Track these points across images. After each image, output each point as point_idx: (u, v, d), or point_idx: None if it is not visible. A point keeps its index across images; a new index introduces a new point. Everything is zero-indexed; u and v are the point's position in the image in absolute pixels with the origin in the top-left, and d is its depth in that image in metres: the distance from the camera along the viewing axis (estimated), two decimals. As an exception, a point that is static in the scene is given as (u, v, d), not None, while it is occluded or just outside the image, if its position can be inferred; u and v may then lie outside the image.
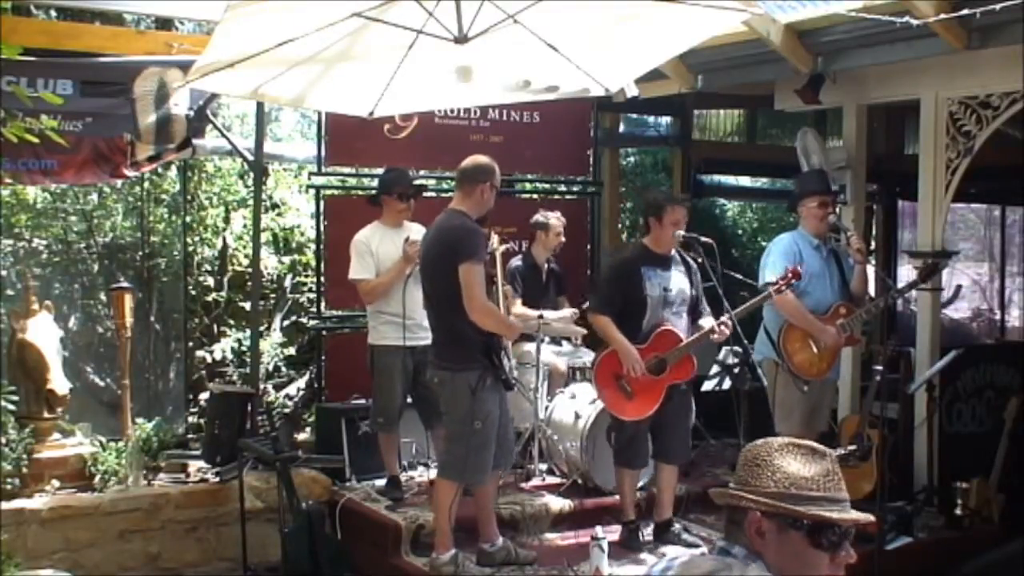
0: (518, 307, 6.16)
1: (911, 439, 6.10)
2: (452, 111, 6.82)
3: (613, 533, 5.25)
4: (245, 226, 7.27)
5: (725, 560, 1.93)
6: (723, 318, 5.00)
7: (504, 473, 5.31)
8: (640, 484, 5.52)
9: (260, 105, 6.03)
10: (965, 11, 4.99)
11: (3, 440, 5.19)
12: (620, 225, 9.28)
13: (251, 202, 6.42)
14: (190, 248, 7.10)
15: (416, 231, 5.55)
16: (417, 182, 6.29)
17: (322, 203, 6.57)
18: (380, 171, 6.11)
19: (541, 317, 6.01)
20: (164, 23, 6.86)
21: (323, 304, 6.63)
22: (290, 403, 7.19)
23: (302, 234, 7.59)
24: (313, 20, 4.01)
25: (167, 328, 6.98)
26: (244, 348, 6.98)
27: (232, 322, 7.25)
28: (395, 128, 6.59)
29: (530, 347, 6.02)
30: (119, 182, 6.48)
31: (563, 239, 6.56)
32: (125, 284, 6.19)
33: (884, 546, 5.14)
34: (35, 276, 6.13)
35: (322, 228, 6.54)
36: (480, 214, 4.85)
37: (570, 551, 5.23)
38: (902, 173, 8.30)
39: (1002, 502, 5.90)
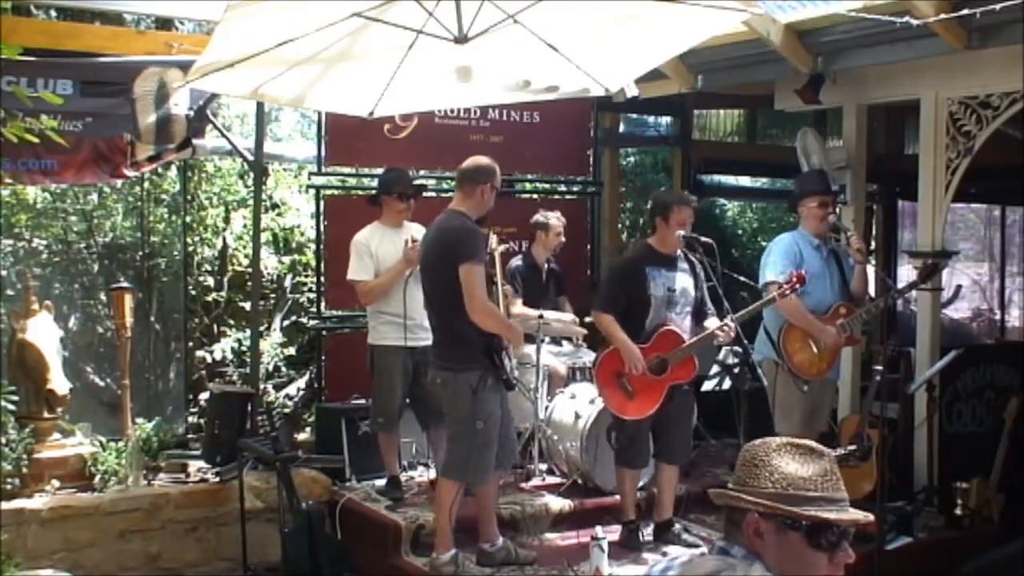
0: (518, 307, 6.16)
1: (911, 439, 6.10)
2: (452, 111, 6.82)
3: (613, 533, 5.25)
4: (245, 226, 7.27)
5: (728, 560, 1.93)
6: (726, 320, 5.01)
7: (505, 473, 5.31)
8: (640, 484, 5.52)
9: (260, 105, 6.03)
10: (965, 11, 4.99)
11: (3, 440, 5.19)
12: (620, 225, 9.29)
13: (251, 202, 6.42)
14: (190, 248, 7.10)
15: (416, 231, 5.55)
16: (417, 182, 6.29)
17: (322, 203, 6.57)
18: (380, 171, 6.10)
19: (541, 317, 6.01)
20: (164, 23, 6.86)
21: (323, 304, 6.63)
22: (290, 403, 7.19)
23: (302, 234, 7.59)
24: (313, 20, 4.01)
25: (167, 328, 6.99)
26: (244, 348, 6.97)
27: (232, 322, 7.25)
28: (395, 128, 6.59)
29: (530, 348, 6.02)
30: (119, 182, 6.48)
31: (563, 239, 6.56)
32: (125, 284, 6.19)
33: (884, 546, 5.14)
34: (35, 276, 6.13)
35: (322, 228, 6.54)
36: (480, 215, 4.85)
37: (570, 551, 5.22)
38: (902, 173, 8.29)
39: (1002, 502, 5.90)
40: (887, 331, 5.97)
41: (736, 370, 6.57)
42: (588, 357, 6.45)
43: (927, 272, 5.59)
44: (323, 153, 6.55)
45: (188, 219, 7.05)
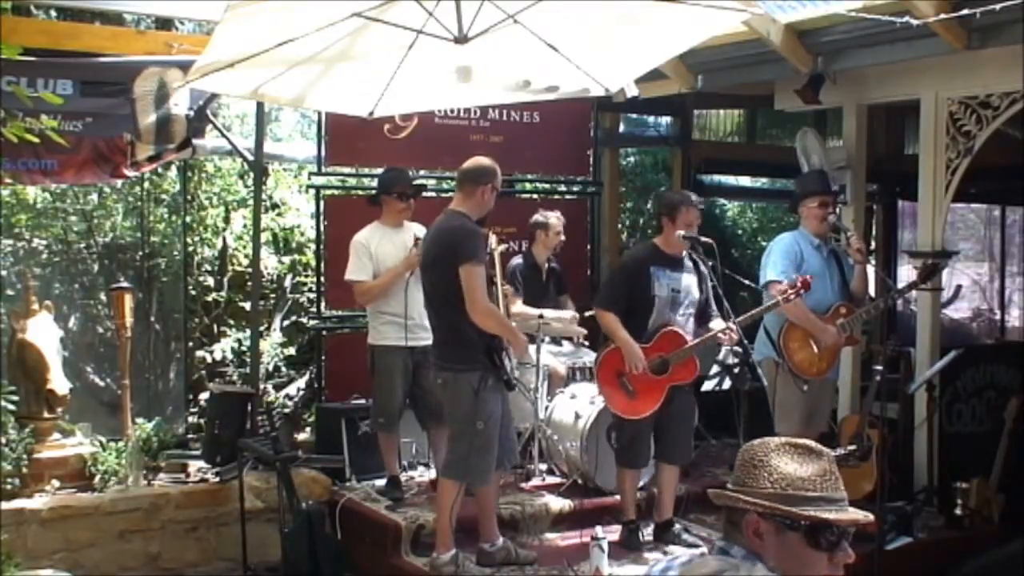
0: (518, 305, 6.16)
1: (911, 439, 6.10)
2: (452, 111, 6.82)
3: (613, 533, 5.25)
4: (245, 226, 7.27)
5: (730, 560, 1.92)
6: (729, 323, 5.02)
7: (505, 473, 5.31)
8: (641, 484, 5.53)
9: (260, 105, 6.03)
10: (965, 11, 4.99)
11: (3, 440, 5.19)
12: (620, 225, 9.28)
13: (251, 202, 6.42)
14: (190, 248, 7.10)
15: (417, 231, 5.55)
16: (417, 182, 6.29)
17: (322, 203, 6.57)
18: (380, 171, 6.10)
19: (541, 317, 6.01)
20: (164, 23, 6.86)
21: (323, 304, 6.63)
22: (290, 403, 7.18)
23: (302, 234, 7.59)
24: (313, 20, 4.01)
25: (167, 328, 6.99)
26: (244, 348, 6.98)
27: (232, 322, 7.25)
28: (395, 128, 6.59)
29: (530, 348, 6.01)
30: (119, 182, 6.48)
31: (563, 238, 6.56)
32: (125, 284, 6.19)
33: (884, 546, 5.14)
34: (35, 276, 6.13)
35: (322, 228, 6.54)
36: (480, 215, 4.86)
37: (570, 551, 5.22)
38: (902, 173, 8.29)
39: (1002, 502, 5.90)
40: (887, 331, 5.99)
41: (736, 370, 6.57)
42: (588, 357, 6.46)
43: (927, 272, 5.59)
44: (323, 153, 6.55)
45: (188, 219, 7.05)
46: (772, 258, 5.50)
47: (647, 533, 5.41)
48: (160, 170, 6.78)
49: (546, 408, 6.06)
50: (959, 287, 9.20)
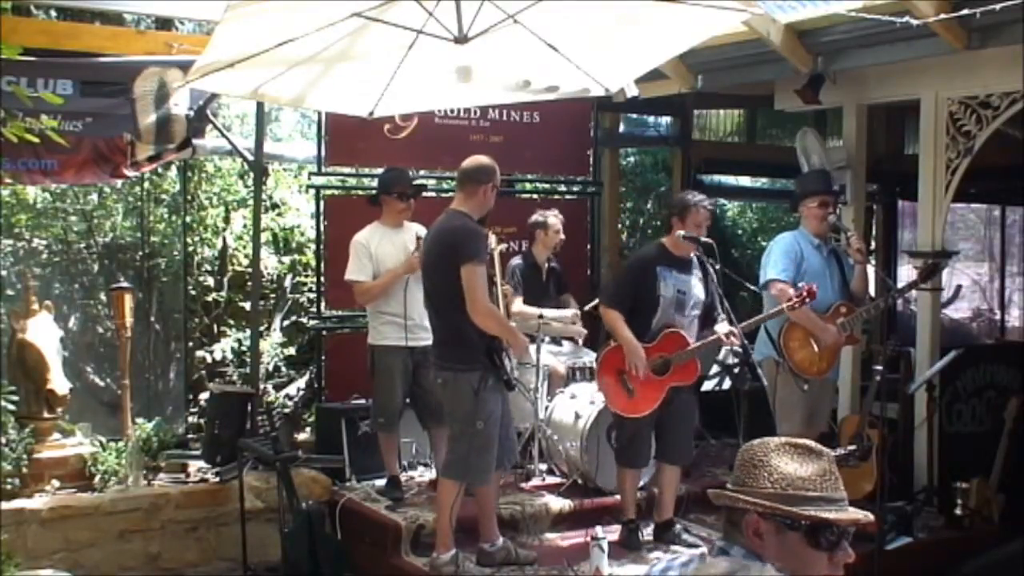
0: (518, 305, 6.16)
1: (911, 439, 6.10)
2: (452, 111, 6.82)
3: (613, 533, 5.25)
4: (245, 226, 7.27)
5: (741, 562, 1.92)
6: (732, 329, 5.02)
7: (505, 473, 5.31)
8: (641, 484, 5.53)
9: (260, 105, 6.03)
10: (965, 11, 4.99)
11: (3, 440, 5.18)
12: (620, 225, 9.28)
13: (251, 202, 6.42)
14: (190, 248, 7.10)
15: (418, 231, 5.55)
16: (417, 182, 6.29)
17: (322, 203, 6.57)
18: (380, 171, 6.10)
19: (541, 317, 6.01)
20: (164, 23, 6.86)
21: (323, 304, 6.64)
22: (290, 403, 7.18)
23: (302, 234, 7.58)
24: (313, 20, 4.01)
25: (167, 328, 6.99)
26: (244, 348, 6.97)
27: (232, 322, 7.25)
28: (395, 128, 6.59)
29: (530, 347, 6.02)
30: (119, 182, 6.48)
31: (562, 237, 6.56)
32: (125, 284, 6.19)
33: (884, 546, 5.14)
34: (35, 276, 6.13)
35: (322, 228, 6.54)
36: (482, 215, 4.86)
37: (570, 551, 5.22)
38: (902, 173, 8.30)
39: (1002, 502, 5.90)
40: (887, 331, 5.98)
41: (736, 370, 6.57)
42: (588, 357, 6.46)
43: (927, 272, 5.59)
44: (323, 153, 6.55)
45: (188, 219, 7.05)
46: (772, 257, 5.50)
47: (647, 533, 5.41)
48: (160, 170, 6.78)
49: (546, 408, 6.06)
50: (959, 287, 9.20)
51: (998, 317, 12.26)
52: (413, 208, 5.76)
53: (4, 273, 6.51)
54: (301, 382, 7.32)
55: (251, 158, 6.11)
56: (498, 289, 5.15)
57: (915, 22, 4.87)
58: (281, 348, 7.33)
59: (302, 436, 6.62)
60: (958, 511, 5.74)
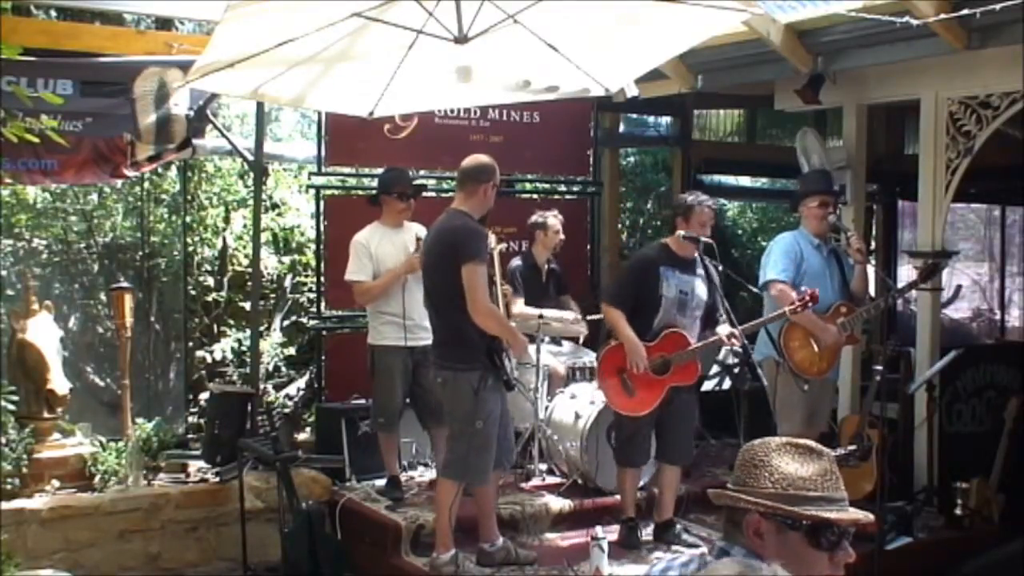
0: (518, 305, 6.16)
1: (911, 439, 6.10)
2: (452, 111, 6.82)
3: (613, 533, 5.25)
4: (245, 226, 7.27)
5: (750, 563, 1.92)
6: (734, 331, 5.02)
7: (504, 473, 5.31)
8: (641, 484, 5.53)
9: (260, 105, 6.03)
10: (965, 11, 4.99)
11: (3, 440, 5.18)
12: (620, 225, 9.28)
13: (251, 202, 6.42)
14: (190, 248, 7.10)
15: (418, 231, 5.55)
16: (417, 182, 6.29)
17: (322, 203, 6.57)
18: (380, 171, 6.10)
19: (541, 317, 6.01)
20: (164, 23, 6.86)
21: (323, 304, 6.64)
22: (290, 403, 7.18)
23: (302, 234, 7.59)
24: (313, 20, 4.01)
25: (167, 328, 6.99)
26: (244, 348, 6.97)
27: (232, 322, 7.25)
28: (395, 128, 6.59)
29: (530, 347, 6.01)
30: (119, 182, 6.48)
31: (562, 237, 6.56)
32: (125, 284, 6.19)
33: (884, 546, 5.14)
34: (35, 276, 6.13)
35: (322, 228, 6.54)
36: (482, 214, 4.86)
37: (570, 551, 5.22)
38: (902, 173, 8.29)
39: (1002, 502, 5.90)
40: (887, 331, 5.97)
41: (736, 370, 6.57)
42: (588, 357, 6.46)
43: (927, 272, 5.59)
44: (323, 153, 6.55)
45: (188, 219, 7.05)
46: (772, 257, 5.50)
47: (646, 532, 5.41)
48: (160, 170, 6.78)
49: (546, 408, 6.06)
50: (959, 287, 9.20)
51: (998, 317, 12.26)
52: (413, 208, 5.76)
53: (4, 273, 6.51)
54: (301, 382, 7.32)
55: (251, 158, 6.11)
56: (498, 289, 5.16)
57: (915, 22, 4.87)
58: (281, 348, 7.33)
59: (302, 436, 6.62)
60: (958, 511, 5.74)
